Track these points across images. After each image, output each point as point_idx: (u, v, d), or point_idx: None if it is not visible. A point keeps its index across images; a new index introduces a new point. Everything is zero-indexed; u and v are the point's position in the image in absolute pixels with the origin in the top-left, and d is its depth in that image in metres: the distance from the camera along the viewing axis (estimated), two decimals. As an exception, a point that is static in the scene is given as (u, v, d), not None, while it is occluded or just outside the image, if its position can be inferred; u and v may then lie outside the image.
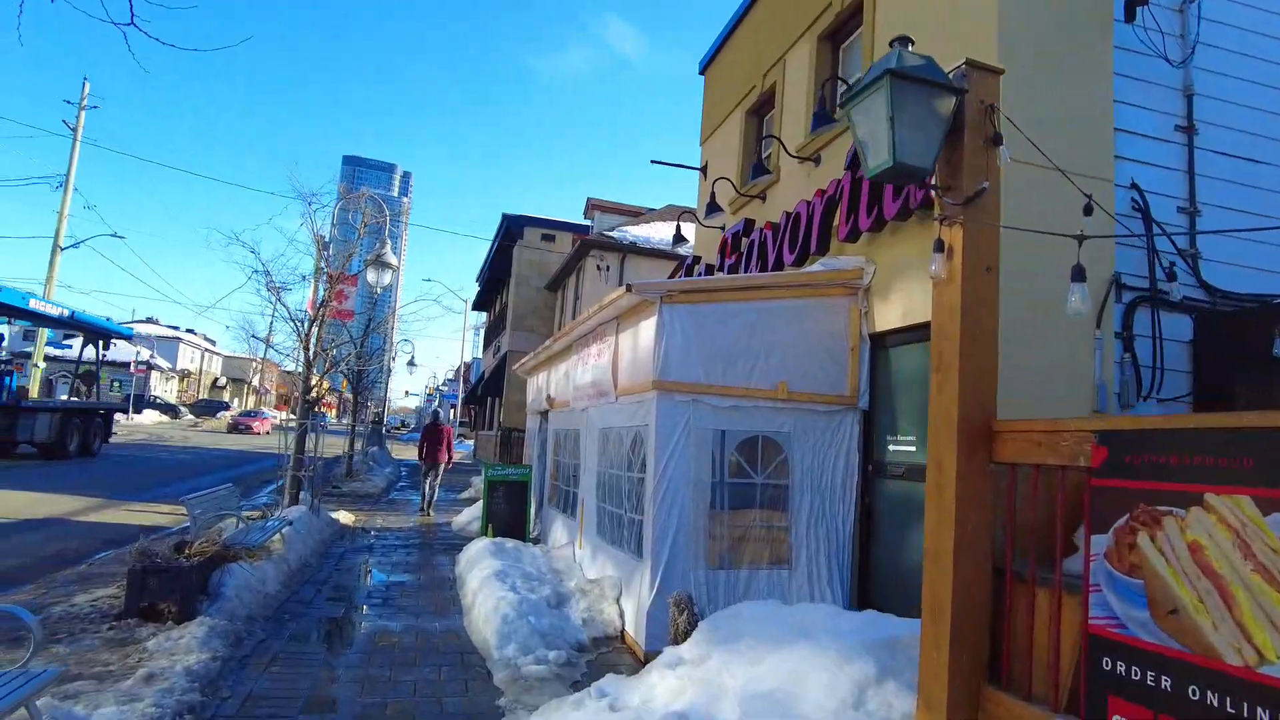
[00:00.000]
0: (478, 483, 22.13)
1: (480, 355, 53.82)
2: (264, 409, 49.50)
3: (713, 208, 9.05)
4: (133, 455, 23.40)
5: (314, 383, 10.99)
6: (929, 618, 3.48)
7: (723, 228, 10.30)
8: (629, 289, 6.24)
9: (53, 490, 13.93)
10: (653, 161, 11.08)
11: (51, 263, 33.64)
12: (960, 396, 3.48)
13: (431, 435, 14.94)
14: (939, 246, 3.62)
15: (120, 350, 54.27)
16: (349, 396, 22.18)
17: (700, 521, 6.19)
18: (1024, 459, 3.34)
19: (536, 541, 10.56)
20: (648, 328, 6.48)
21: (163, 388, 56.66)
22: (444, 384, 72.73)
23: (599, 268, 19.10)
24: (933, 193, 3.78)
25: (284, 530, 8.89)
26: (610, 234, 19.61)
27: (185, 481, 17.18)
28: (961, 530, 3.37)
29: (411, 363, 37.58)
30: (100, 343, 22.26)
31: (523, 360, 13.59)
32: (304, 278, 10.75)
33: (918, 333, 6.16)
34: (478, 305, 38.65)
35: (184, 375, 62.82)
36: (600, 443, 7.94)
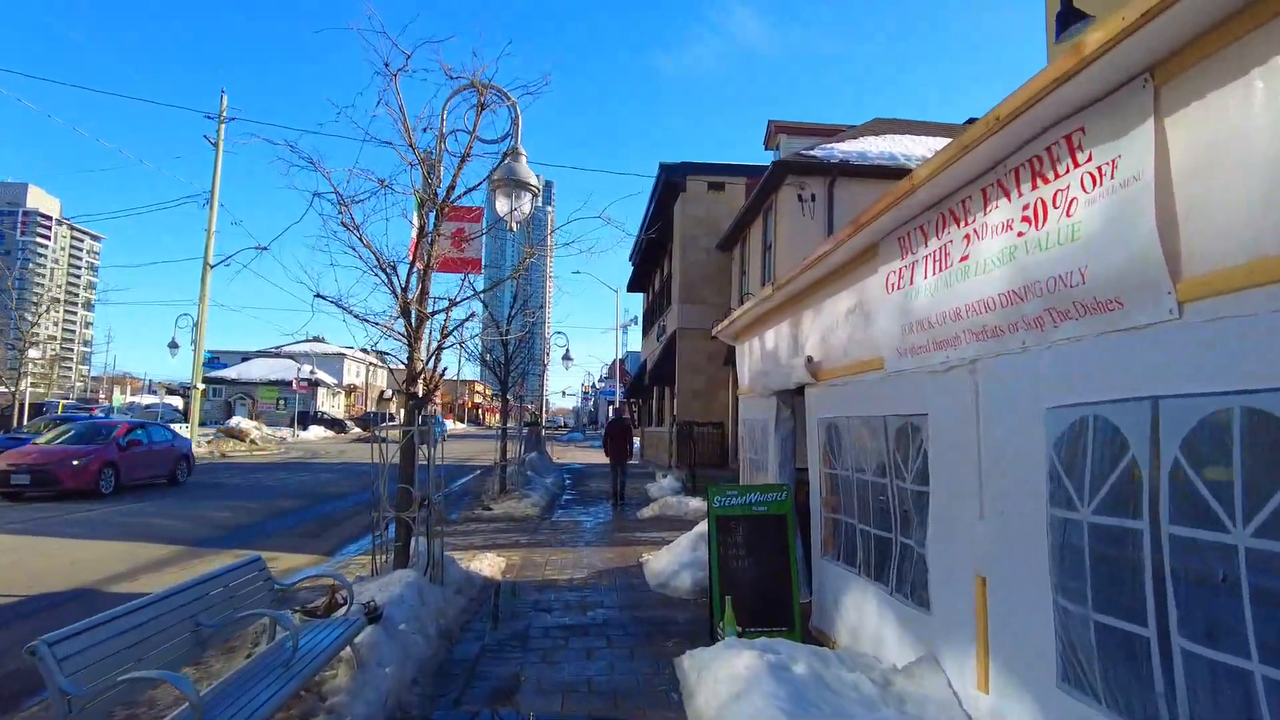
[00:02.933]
0: (654, 491, 17.58)
1: (636, 348, 50.02)
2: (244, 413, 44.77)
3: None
4: (268, 477, 20.98)
5: (421, 368, 6.78)
6: None
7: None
8: None
9: (130, 537, 10.79)
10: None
11: (203, 280, 33.01)
12: None
13: (617, 433, 15.75)
14: None
15: (284, 369, 55.34)
16: (510, 401, 18.41)
17: None
18: None
19: (819, 640, 5.80)
20: None
21: (329, 403, 57.36)
22: (600, 380, 70.04)
23: (800, 197, 14.05)
24: None
25: (361, 639, 4.64)
26: (811, 152, 14.53)
27: (295, 515, 13.93)
28: None
29: (567, 356, 34.23)
30: None
31: (731, 318, 8.87)
32: (387, 186, 6.52)
33: None
34: (633, 286, 34.40)
35: (350, 390, 63.76)
36: (1100, 444, 2.94)
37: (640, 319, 38.53)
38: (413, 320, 6.73)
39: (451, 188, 6.95)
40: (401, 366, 7.18)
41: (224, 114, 33.79)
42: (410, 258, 6.92)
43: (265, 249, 35.52)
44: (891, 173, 14.34)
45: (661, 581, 7.83)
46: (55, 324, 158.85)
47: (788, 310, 6.75)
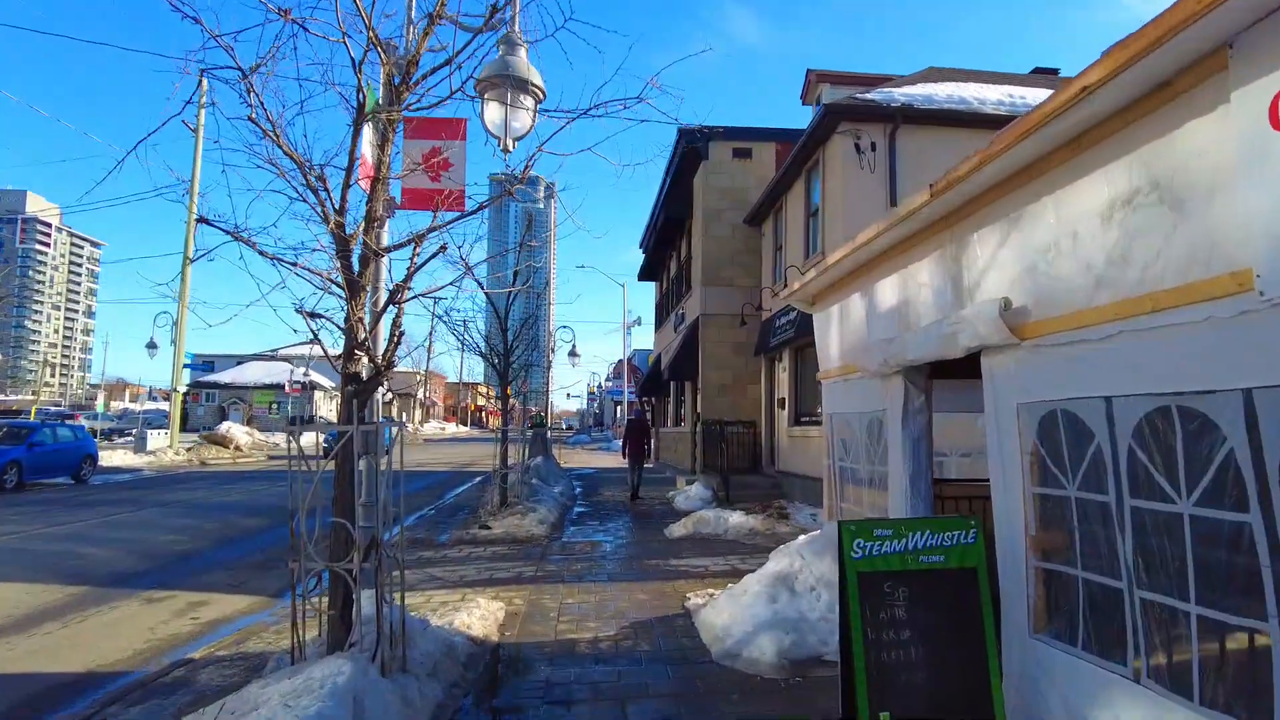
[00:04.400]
0: (681, 502, 14.74)
1: (643, 345, 47.53)
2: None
3: None
4: (241, 488, 18.62)
5: (365, 336, 4.35)
6: None
7: None
8: None
9: (32, 572, 8.41)
10: None
11: (183, 276, 30.63)
12: None
13: (635, 433, 16.19)
14: None
15: (279, 372, 53.00)
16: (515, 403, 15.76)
17: None
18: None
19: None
20: None
21: (326, 407, 54.98)
22: (606, 380, 67.65)
23: (858, 147, 11.64)
24: None
25: None
26: (868, 95, 12.11)
27: (254, 537, 11.56)
28: None
29: (573, 353, 31.77)
30: None
31: (821, 268, 6.49)
32: (292, 18, 4.12)
33: None
34: (644, 275, 31.80)
35: (348, 392, 61.31)
36: None
37: (650, 316, 36.03)
38: (353, 259, 4.33)
39: (414, 62, 4.56)
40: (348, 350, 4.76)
41: (203, 99, 31.45)
42: (350, 158, 4.50)
43: (243, 239, 33.32)
44: (966, 119, 11.91)
45: (727, 649, 5.40)
46: (55, 331, 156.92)
47: (938, 236, 4.31)
